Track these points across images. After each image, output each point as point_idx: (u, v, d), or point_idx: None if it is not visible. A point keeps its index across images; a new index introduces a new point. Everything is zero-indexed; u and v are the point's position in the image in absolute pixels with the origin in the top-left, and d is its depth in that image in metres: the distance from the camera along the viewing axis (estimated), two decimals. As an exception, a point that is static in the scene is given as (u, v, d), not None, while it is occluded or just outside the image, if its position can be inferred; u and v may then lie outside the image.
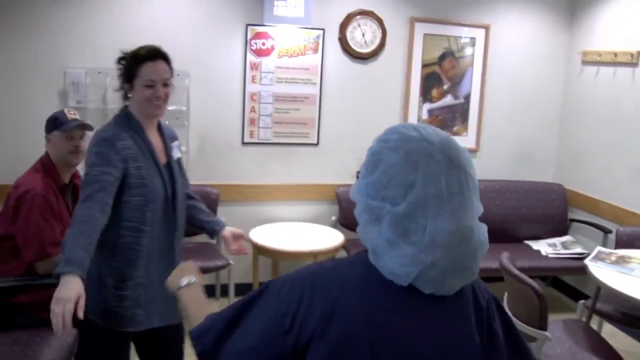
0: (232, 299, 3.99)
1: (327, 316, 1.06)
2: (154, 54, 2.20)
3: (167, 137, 2.37)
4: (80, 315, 1.69)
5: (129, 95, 2.24)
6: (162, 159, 2.30)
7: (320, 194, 4.50)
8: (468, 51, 4.67)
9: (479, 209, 1.13)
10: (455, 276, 1.09)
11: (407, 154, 1.07)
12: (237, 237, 2.52)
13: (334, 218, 4.52)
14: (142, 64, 2.16)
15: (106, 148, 2.12)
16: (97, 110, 4.04)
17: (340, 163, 4.55)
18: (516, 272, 2.77)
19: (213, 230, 2.54)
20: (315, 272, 1.15)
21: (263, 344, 1.08)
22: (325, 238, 4.02)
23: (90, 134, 3.06)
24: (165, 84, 2.21)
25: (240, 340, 1.11)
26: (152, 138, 2.27)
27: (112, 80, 3.97)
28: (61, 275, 1.84)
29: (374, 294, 1.08)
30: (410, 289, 1.07)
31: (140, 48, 2.22)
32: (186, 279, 1.47)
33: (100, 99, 4.05)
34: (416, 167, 1.06)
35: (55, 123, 2.85)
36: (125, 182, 2.13)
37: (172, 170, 2.32)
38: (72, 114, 2.91)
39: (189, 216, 2.48)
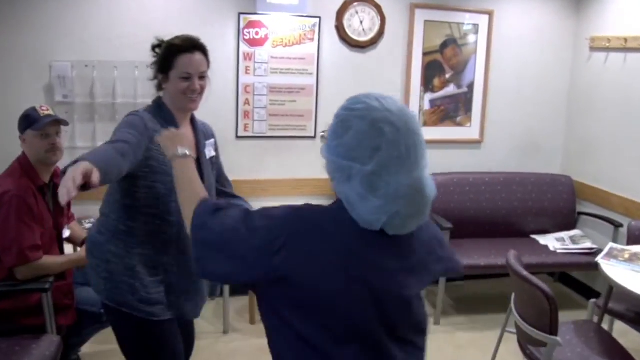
0: (227, 298, 3.84)
1: (315, 248, 1.26)
2: (192, 45, 2.11)
3: (200, 133, 2.30)
4: (95, 179, 1.41)
5: (163, 87, 2.16)
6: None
7: (319, 189, 4.33)
8: (471, 38, 4.49)
9: (427, 163, 1.32)
10: (414, 220, 1.30)
11: (373, 122, 1.26)
12: None
13: (332, 214, 4.34)
14: (178, 55, 2.08)
15: (134, 119, 2.07)
16: (84, 105, 3.90)
17: (339, 156, 4.37)
18: (524, 273, 2.60)
19: None
20: (301, 213, 1.33)
21: (252, 258, 1.28)
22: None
23: (66, 130, 2.93)
24: (202, 77, 2.14)
25: (236, 248, 1.31)
26: (183, 131, 2.17)
27: (100, 73, 3.88)
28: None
29: (352, 234, 1.28)
30: (379, 231, 1.28)
31: (177, 38, 2.14)
32: (183, 149, 1.70)
33: (88, 93, 3.90)
34: (381, 134, 1.25)
35: (28, 121, 2.72)
36: (148, 164, 2.04)
37: (201, 167, 2.20)
38: (44, 110, 2.77)
39: None
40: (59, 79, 3.82)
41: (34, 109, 2.73)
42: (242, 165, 4.20)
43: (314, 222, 1.30)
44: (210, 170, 2.30)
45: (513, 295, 2.90)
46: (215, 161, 2.40)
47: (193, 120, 2.29)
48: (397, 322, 1.33)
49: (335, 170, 1.31)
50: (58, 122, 2.79)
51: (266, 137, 4.26)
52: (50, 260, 2.72)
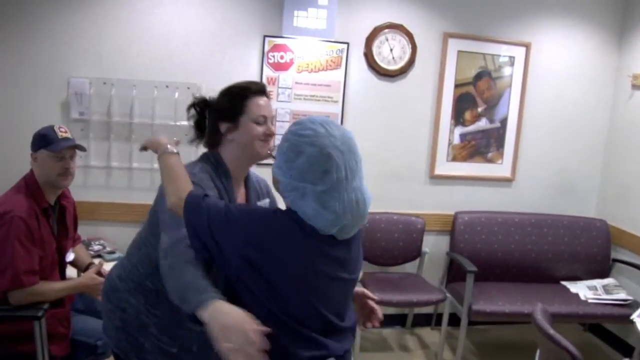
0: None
1: (283, 244, 1.49)
2: (262, 88, 1.98)
3: (252, 192, 2.09)
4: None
5: (228, 137, 1.94)
6: None
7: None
8: (506, 71, 4.28)
9: (363, 173, 1.57)
10: (357, 226, 1.59)
11: (321, 148, 1.48)
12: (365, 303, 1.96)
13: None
14: (250, 98, 1.92)
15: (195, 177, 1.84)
16: (100, 123, 3.78)
17: (361, 188, 4.18)
18: (551, 331, 2.38)
19: None
20: (265, 219, 1.53)
21: (230, 245, 1.49)
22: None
23: (80, 154, 2.81)
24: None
25: (218, 233, 1.51)
26: (238, 194, 2.01)
27: (118, 91, 3.76)
28: (205, 306, 1.42)
29: (312, 235, 1.50)
30: (330, 235, 1.53)
31: (237, 84, 1.98)
32: (172, 147, 1.85)
33: (105, 111, 3.78)
34: (329, 158, 1.47)
35: (44, 141, 2.60)
36: None
37: None
38: (62, 132, 2.66)
39: None
40: (76, 96, 3.71)
41: (52, 129, 2.62)
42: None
43: (283, 224, 1.51)
44: None
45: (538, 352, 2.66)
46: None
47: (247, 179, 2.10)
48: (341, 304, 1.64)
49: (290, 190, 1.53)
50: (75, 147, 2.67)
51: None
52: (46, 286, 2.56)
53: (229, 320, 1.36)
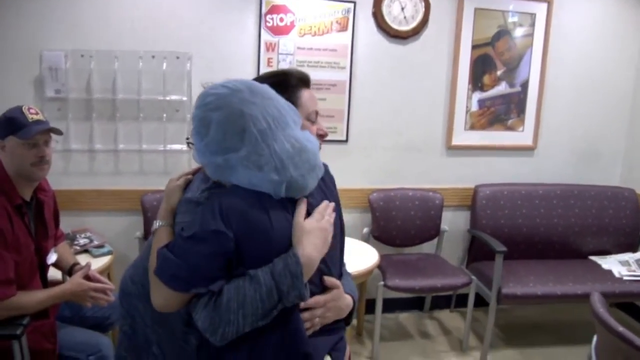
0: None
1: (242, 222, 1.29)
2: (308, 79, 1.62)
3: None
4: None
5: None
6: None
7: (350, 201, 3.77)
8: (527, 30, 3.89)
9: (297, 119, 1.41)
10: (312, 176, 1.39)
11: (229, 108, 1.31)
12: None
13: (366, 230, 3.79)
14: (300, 91, 1.57)
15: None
16: (80, 101, 3.36)
17: (373, 164, 3.82)
18: (620, 329, 2.06)
19: None
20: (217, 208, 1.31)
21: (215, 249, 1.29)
22: (357, 256, 3.28)
23: (57, 139, 2.41)
24: None
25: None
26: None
27: (98, 64, 3.32)
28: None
29: (266, 204, 1.33)
30: (285, 198, 1.36)
31: (282, 71, 1.65)
32: (157, 222, 1.50)
33: (84, 87, 3.35)
34: (241, 114, 1.31)
35: (12, 126, 2.19)
36: None
37: None
38: (33, 114, 2.24)
39: None
40: (51, 71, 3.27)
41: (20, 111, 2.21)
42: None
43: (243, 203, 1.31)
44: None
45: (595, 338, 2.36)
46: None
47: None
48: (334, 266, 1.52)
49: (216, 168, 1.35)
50: (50, 131, 2.27)
51: (290, 140, 3.67)
52: (25, 297, 2.17)
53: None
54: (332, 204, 1.48)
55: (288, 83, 1.57)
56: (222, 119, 1.30)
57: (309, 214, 1.42)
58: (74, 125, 3.37)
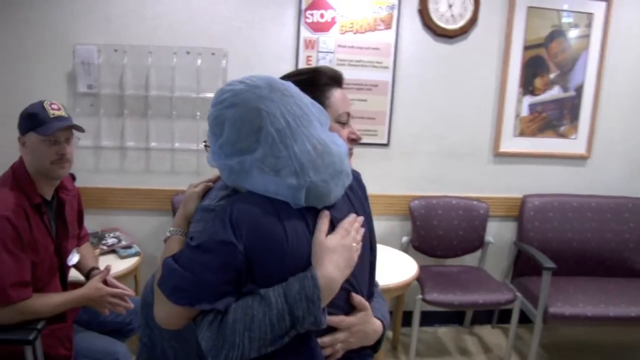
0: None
1: (253, 237, 1.14)
2: (340, 78, 1.48)
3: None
4: None
5: None
6: None
7: (389, 208, 3.59)
8: (583, 31, 3.64)
9: (325, 120, 1.27)
10: (336, 183, 1.23)
11: (245, 105, 1.18)
12: None
13: (405, 239, 3.60)
14: (330, 90, 1.44)
15: None
16: (112, 97, 3.27)
17: (415, 169, 3.63)
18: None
19: None
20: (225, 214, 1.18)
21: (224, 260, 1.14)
22: (394, 266, 3.10)
23: (78, 136, 2.31)
24: None
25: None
26: None
27: (131, 59, 3.21)
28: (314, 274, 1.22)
29: (282, 213, 1.18)
30: (305, 208, 1.20)
31: (312, 68, 1.49)
32: (174, 227, 1.37)
33: (117, 83, 3.26)
34: (257, 112, 1.18)
35: (33, 122, 2.10)
36: None
37: None
38: (55, 109, 2.15)
39: None
40: (83, 66, 3.19)
41: (41, 106, 2.12)
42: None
43: (256, 211, 1.18)
44: None
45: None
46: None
47: None
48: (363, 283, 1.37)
49: (230, 173, 1.22)
50: (72, 128, 2.17)
51: (328, 142, 3.51)
52: (40, 301, 2.07)
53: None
54: (361, 218, 1.32)
55: (317, 81, 1.43)
56: (237, 117, 1.19)
57: (332, 228, 1.26)
58: (106, 121, 3.28)
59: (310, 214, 1.23)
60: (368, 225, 1.40)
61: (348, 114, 1.44)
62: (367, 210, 1.44)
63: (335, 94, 1.43)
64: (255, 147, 1.18)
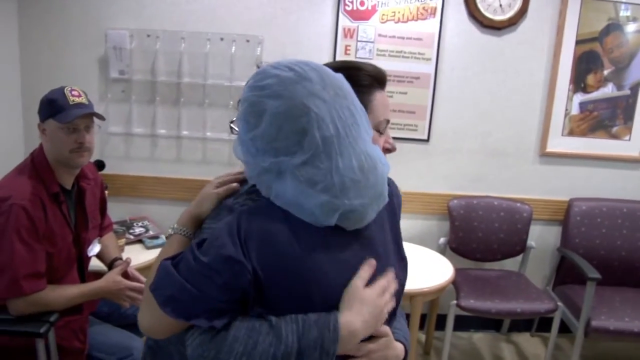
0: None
1: (265, 259, 1.00)
2: (384, 78, 1.31)
3: None
4: None
5: None
6: None
7: (427, 207, 3.45)
8: (642, 25, 3.42)
9: (370, 131, 1.11)
10: (373, 207, 1.09)
11: (291, 99, 1.01)
12: None
13: (442, 240, 3.45)
14: (373, 93, 1.27)
15: None
16: (144, 83, 3.21)
17: (456, 167, 3.47)
18: None
19: None
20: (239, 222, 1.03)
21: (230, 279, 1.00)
22: (429, 268, 2.97)
23: (99, 124, 2.23)
24: None
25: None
26: None
27: (164, 45, 3.13)
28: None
29: (302, 231, 1.03)
30: (334, 227, 1.06)
31: (356, 65, 1.30)
32: (178, 225, 1.25)
33: (149, 69, 3.19)
34: (305, 112, 1.01)
35: (52, 108, 2.03)
36: None
37: None
38: (75, 96, 2.07)
39: None
40: (115, 51, 3.12)
41: (62, 93, 2.04)
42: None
43: (271, 227, 1.03)
44: None
45: None
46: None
47: None
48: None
49: (260, 172, 1.06)
50: (92, 115, 2.09)
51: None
52: (55, 293, 2.01)
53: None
54: (395, 281, 1.19)
55: (359, 81, 1.24)
56: (280, 111, 1.01)
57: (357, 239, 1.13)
58: (137, 107, 3.22)
59: (334, 234, 1.08)
60: (396, 237, 1.28)
61: (387, 121, 1.29)
62: (397, 224, 1.31)
63: (378, 97, 1.27)
64: (294, 150, 1.02)
